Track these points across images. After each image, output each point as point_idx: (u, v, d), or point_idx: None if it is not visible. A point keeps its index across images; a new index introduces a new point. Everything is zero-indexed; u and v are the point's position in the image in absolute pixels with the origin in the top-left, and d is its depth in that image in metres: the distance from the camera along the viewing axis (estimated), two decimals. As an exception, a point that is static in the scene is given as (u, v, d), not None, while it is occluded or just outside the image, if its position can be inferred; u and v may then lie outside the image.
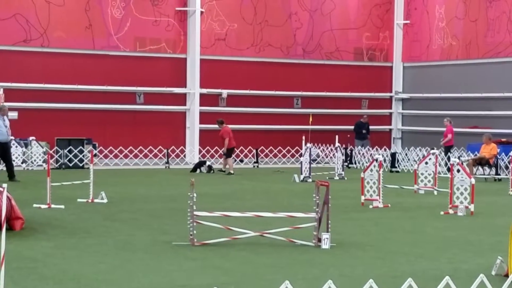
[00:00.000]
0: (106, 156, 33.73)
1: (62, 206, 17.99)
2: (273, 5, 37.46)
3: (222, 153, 30.74)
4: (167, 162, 33.48)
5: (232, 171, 29.57)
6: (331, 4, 38.49)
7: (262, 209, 17.01)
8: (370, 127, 37.03)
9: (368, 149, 34.43)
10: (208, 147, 34.98)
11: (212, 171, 30.18)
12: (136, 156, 33.98)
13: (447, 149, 32.22)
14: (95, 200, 19.26)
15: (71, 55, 34.39)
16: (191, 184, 13.00)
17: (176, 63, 36.19)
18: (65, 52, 34.27)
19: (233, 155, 31.16)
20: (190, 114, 36.29)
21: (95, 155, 32.64)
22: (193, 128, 36.05)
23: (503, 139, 32.75)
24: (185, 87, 36.28)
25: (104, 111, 34.88)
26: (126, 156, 33.95)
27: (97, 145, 33.35)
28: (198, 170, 30.51)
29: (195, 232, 13.09)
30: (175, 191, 22.69)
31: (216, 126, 36.00)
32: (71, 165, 31.49)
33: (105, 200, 19.30)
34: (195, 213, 13.13)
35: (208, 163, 30.80)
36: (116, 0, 34.82)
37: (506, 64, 35.29)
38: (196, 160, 34.45)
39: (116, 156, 33.79)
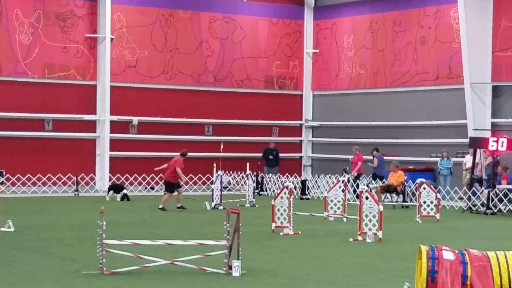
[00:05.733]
0: (13, 184, 33.10)
1: (-33, 235, 17.58)
2: (184, 33, 37.52)
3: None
4: (77, 190, 33.04)
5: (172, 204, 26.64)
6: (241, 33, 38.77)
7: (173, 237, 16.94)
8: (281, 154, 37.30)
9: (279, 177, 34.65)
10: (118, 175, 34.69)
11: (126, 199, 29.76)
12: (44, 183, 33.46)
13: (357, 176, 32.64)
14: (2, 229, 18.87)
15: (-22, 81, 33.74)
16: (101, 212, 12.88)
17: (85, 90, 35.83)
18: (-29, 78, 33.63)
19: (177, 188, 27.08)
20: (100, 141, 35.95)
21: (2, 182, 32.02)
22: (103, 155, 35.70)
23: (410, 167, 33.44)
24: (95, 114, 35.94)
25: (12, 138, 34.24)
26: (34, 183, 33.40)
27: (4, 172, 32.71)
28: (110, 192, 30.11)
29: (104, 260, 12.95)
30: (85, 219, 22.41)
31: (125, 153, 35.89)
32: (-24, 193, 30.81)
33: (12, 229, 18.93)
34: (105, 241, 13.00)
35: (125, 191, 30.28)
36: (24, 26, 34.35)
37: (412, 93, 36.06)
38: (107, 188, 34.17)
39: (24, 184, 33.19)
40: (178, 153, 26.76)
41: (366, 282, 12.75)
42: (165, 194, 26.77)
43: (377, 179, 31.37)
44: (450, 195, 30.18)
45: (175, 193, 26.77)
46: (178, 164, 26.65)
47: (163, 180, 28.48)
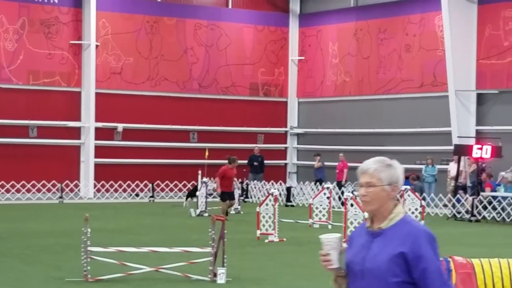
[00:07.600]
0: (-3, 191, 32.98)
1: (-49, 243, 17.49)
2: (169, 40, 37.49)
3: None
4: (61, 197, 32.95)
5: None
6: (226, 40, 38.77)
7: (158, 244, 16.90)
8: (266, 161, 37.25)
9: (264, 184, 34.63)
10: (103, 182, 34.60)
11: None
12: (29, 190, 33.32)
13: (340, 183, 32.68)
14: (-14, 236, 18.79)
15: (-38, 87, 33.60)
16: (85, 219, 12.84)
17: (70, 96, 35.74)
18: (-45, 84, 33.48)
19: (228, 199, 26.18)
20: (85, 148, 35.85)
21: (-14, 189, 31.87)
22: (88, 162, 35.60)
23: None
24: (80, 120, 35.85)
25: (-4, 144, 34.13)
26: (18, 190, 33.25)
27: (-12, 179, 32.55)
28: (188, 199, 28.85)
29: (89, 268, 12.91)
30: (69, 226, 22.33)
31: (110, 160, 35.81)
32: (-40, 200, 30.65)
33: (-4, 236, 18.85)
34: (89, 248, 12.96)
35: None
36: (9, 32, 34.24)
37: (397, 101, 36.16)
38: (91, 195, 34.15)
39: (8, 191, 33.05)
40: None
41: (351, 289, 12.75)
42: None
43: (318, 182, 33.18)
44: (435, 202, 30.26)
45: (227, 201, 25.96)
46: (218, 173, 26.07)
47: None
